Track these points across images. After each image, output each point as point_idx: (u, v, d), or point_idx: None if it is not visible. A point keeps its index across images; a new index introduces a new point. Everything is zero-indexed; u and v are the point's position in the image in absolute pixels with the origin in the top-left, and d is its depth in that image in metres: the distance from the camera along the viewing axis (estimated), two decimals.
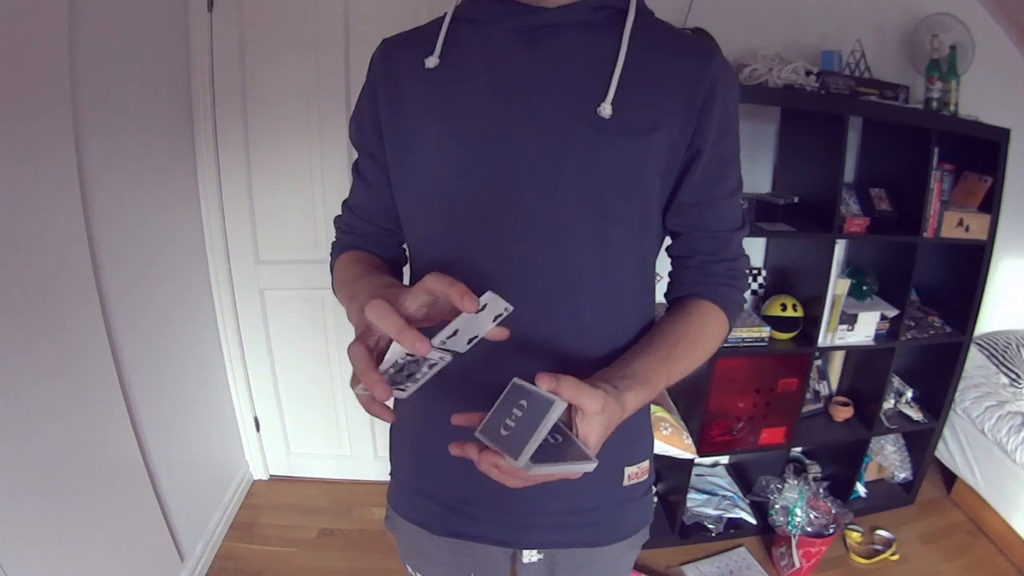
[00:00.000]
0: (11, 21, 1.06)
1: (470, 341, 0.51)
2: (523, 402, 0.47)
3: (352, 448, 2.16)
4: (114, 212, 1.40)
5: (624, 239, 0.63)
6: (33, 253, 1.14)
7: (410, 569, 0.82)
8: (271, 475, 2.21)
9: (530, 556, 0.76)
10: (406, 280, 0.68)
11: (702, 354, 0.64)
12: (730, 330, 0.69)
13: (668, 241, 0.73)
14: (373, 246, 0.74)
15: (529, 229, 0.60)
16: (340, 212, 0.78)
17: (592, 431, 0.49)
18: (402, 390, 0.49)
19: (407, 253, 0.76)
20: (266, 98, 1.77)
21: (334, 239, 0.78)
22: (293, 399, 2.10)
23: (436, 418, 0.51)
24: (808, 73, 1.59)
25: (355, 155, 0.74)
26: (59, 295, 1.21)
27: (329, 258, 0.77)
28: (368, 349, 0.49)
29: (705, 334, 0.65)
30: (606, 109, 0.57)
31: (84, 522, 1.26)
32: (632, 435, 0.73)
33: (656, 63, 0.60)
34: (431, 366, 0.50)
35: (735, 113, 0.65)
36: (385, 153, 0.68)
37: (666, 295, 0.73)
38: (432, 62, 0.63)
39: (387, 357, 0.51)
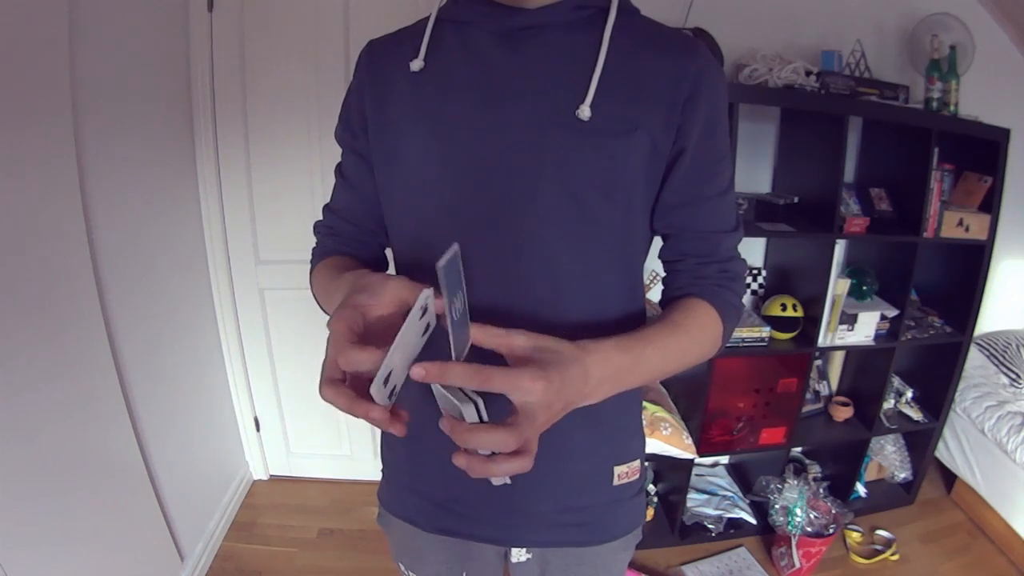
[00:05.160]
0: (11, 22, 1.06)
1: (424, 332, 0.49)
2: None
3: (352, 448, 2.16)
4: (114, 212, 1.40)
5: (607, 242, 0.62)
6: (34, 254, 1.14)
7: (403, 568, 0.82)
8: (271, 475, 2.22)
9: (519, 555, 0.76)
10: None
11: (689, 340, 0.61)
12: (726, 333, 0.66)
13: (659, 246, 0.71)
14: (354, 247, 0.73)
15: (510, 232, 0.60)
16: (321, 217, 0.76)
17: (532, 377, 0.44)
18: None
19: (388, 255, 0.75)
20: (266, 98, 1.77)
21: (314, 245, 0.76)
22: (293, 399, 2.10)
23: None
24: (808, 73, 1.59)
25: None
26: (60, 295, 1.21)
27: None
28: (352, 326, 0.47)
29: (691, 322, 0.62)
30: (585, 111, 0.56)
31: (84, 522, 1.26)
32: (622, 434, 0.73)
33: (637, 62, 0.59)
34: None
35: (722, 110, 0.63)
36: (371, 152, 0.67)
37: (660, 303, 0.71)
38: (417, 65, 0.62)
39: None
